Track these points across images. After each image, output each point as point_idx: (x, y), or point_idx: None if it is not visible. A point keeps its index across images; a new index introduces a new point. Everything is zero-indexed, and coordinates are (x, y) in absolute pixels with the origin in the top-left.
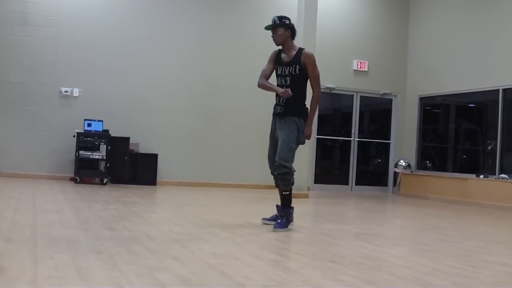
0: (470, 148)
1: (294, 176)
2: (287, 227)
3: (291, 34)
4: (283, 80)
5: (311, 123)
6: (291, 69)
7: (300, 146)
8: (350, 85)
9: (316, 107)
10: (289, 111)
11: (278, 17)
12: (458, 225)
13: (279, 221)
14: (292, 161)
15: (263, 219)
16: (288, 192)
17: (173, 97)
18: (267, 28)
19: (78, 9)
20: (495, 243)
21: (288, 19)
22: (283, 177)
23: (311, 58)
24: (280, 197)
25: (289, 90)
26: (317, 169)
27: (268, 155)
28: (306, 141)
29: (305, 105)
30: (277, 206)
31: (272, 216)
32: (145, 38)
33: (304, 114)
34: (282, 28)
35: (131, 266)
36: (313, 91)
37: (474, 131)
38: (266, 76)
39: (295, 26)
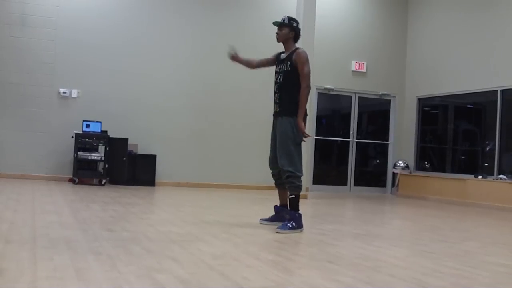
0: (468, 149)
1: (299, 180)
2: (289, 229)
3: (294, 36)
4: (277, 77)
5: (300, 120)
6: (284, 66)
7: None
8: (348, 86)
9: (303, 103)
10: (283, 110)
11: (288, 17)
12: (456, 226)
13: (285, 223)
14: (294, 164)
15: (261, 219)
16: (293, 196)
17: (171, 98)
18: (275, 23)
19: (77, 10)
20: (494, 244)
21: (297, 22)
22: (286, 181)
23: (301, 55)
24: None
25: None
26: (315, 170)
27: (269, 155)
28: (307, 140)
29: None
30: (275, 206)
31: (271, 217)
32: (143, 39)
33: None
34: (287, 28)
35: (130, 267)
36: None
37: (473, 132)
38: (258, 59)
39: (274, 24)
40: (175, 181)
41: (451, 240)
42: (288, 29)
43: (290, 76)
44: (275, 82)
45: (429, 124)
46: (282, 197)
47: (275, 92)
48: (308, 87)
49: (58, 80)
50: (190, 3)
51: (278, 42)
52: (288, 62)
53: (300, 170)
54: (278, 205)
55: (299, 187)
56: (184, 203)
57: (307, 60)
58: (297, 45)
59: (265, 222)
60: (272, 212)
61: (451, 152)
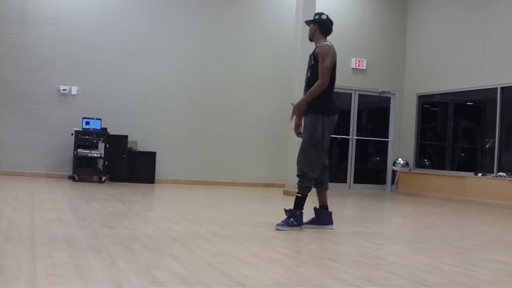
0: (468, 146)
1: (310, 182)
2: (288, 227)
3: (319, 29)
4: (306, 73)
5: (303, 101)
6: (309, 61)
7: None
8: (348, 83)
9: (313, 92)
10: (310, 107)
11: (315, 13)
12: (456, 223)
13: (286, 220)
14: (309, 164)
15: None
16: (300, 195)
17: (171, 95)
18: (306, 22)
19: (77, 7)
20: (493, 241)
21: (320, 14)
22: (298, 179)
23: (322, 48)
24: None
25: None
26: None
27: None
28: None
29: (332, 101)
30: (314, 208)
31: (310, 220)
32: (143, 36)
33: (328, 111)
34: (311, 24)
35: (129, 264)
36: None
37: (473, 129)
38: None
39: (305, 23)
40: (174, 179)
41: (451, 238)
42: (312, 24)
43: (315, 72)
44: (305, 78)
45: (428, 122)
46: (321, 198)
47: (304, 89)
48: (324, 84)
49: (58, 77)
50: (190, 2)
51: (309, 40)
52: (312, 57)
53: (314, 171)
54: (318, 206)
55: (307, 188)
56: (184, 201)
57: (327, 53)
58: (301, 39)
59: (307, 226)
60: (281, 215)
61: (451, 150)
